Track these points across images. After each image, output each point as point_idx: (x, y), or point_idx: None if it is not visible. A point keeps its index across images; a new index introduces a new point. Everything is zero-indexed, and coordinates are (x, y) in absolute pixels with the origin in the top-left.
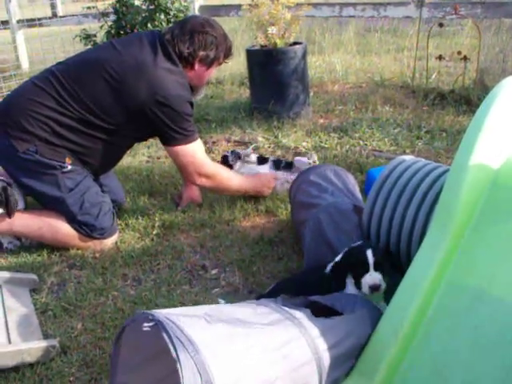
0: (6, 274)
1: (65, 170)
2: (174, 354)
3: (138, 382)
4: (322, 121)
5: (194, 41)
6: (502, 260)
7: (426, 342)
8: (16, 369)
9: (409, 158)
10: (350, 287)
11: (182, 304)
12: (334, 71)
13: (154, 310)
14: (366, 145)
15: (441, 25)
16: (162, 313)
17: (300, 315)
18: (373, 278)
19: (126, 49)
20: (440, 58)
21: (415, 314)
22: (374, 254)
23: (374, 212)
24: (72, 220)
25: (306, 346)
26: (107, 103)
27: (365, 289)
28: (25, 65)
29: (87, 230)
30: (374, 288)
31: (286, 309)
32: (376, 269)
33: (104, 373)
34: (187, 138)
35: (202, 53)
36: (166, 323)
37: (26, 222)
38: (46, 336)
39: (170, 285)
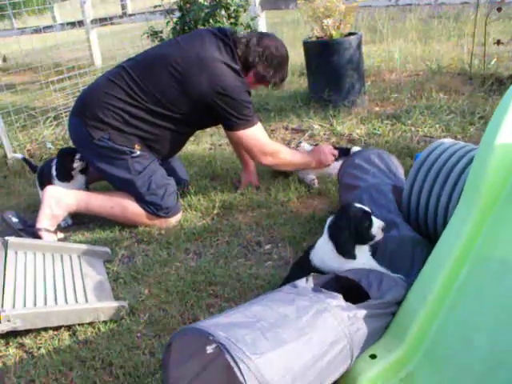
0: (83, 247)
1: (134, 155)
2: (241, 379)
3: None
4: (377, 109)
5: (263, 54)
6: None
7: (454, 308)
8: (92, 324)
9: (448, 140)
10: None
11: (238, 274)
12: (393, 60)
13: (202, 323)
14: (417, 131)
15: (499, 9)
16: (211, 325)
17: (335, 303)
18: (378, 222)
19: (189, 45)
20: (498, 42)
21: (444, 282)
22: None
23: (413, 188)
24: (140, 200)
25: (340, 332)
26: (173, 95)
27: (378, 236)
28: (98, 61)
29: (154, 209)
30: (384, 228)
31: (322, 296)
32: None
33: (166, 330)
34: (248, 123)
35: (260, 68)
36: (228, 345)
37: (100, 202)
38: (117, 299)
39: (227, 258)
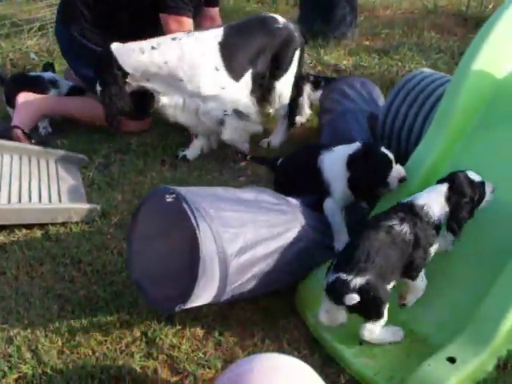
0: (60, 152)
1: None
2: (194, 223)
3: (150, 251)
4: (366, 42)
5: None
6: (497, 161)
7: None
8: (64, 224)
9: (429, 70)
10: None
11: (211, 186)
12: None
13: (174, 186)
14: (404, 66)
15: None
16: (182, 189)
17: (293, 202)
18: (399, 170)
19: None
20: None
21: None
22: (388, 149)
23: (391, 108)
24: None
25: (299, 228)
26: None
27: (393, 184)
28: None
29: None
30: (403, 179)
31: (283, 196)
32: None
33: None
34: (179, 11)
35: None
36: (187, 196)
37: (76, 102)
38: (90, 203)
39: (201, 171)
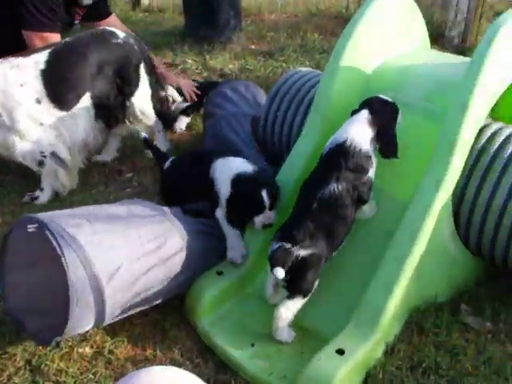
0: None
1: None
2: (58, 251)
3: (30, 279)
4: (252, 46)
5: None
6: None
7: None
8: None
9: (306, 69)
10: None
11: (96, 201)
12: (274, 2)
13: (40, 213)
14: (288, 67)
15: None
16: (47, 215)
17: (169, 211)
18: (267, 216)
19: None
20: None
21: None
22: (269, 193)
23: (271, 108)
24: None
25: (178, 237)
26: None
27: (257, 225)
28: None
29: None
30: (267, 226)
31: (158, 206)
32: (270, 207)
33: None
34: (42, 27)
35: None
36: (49, 224)
37: None
38: None
39: (86, 186)
